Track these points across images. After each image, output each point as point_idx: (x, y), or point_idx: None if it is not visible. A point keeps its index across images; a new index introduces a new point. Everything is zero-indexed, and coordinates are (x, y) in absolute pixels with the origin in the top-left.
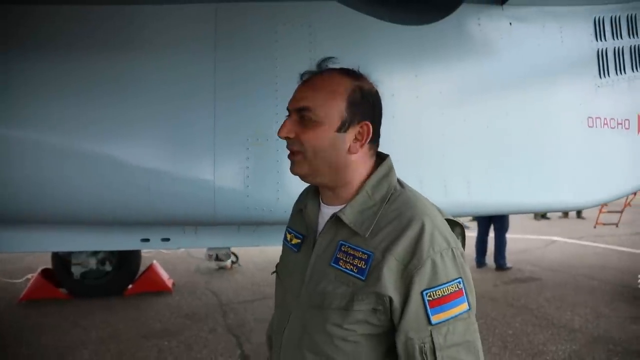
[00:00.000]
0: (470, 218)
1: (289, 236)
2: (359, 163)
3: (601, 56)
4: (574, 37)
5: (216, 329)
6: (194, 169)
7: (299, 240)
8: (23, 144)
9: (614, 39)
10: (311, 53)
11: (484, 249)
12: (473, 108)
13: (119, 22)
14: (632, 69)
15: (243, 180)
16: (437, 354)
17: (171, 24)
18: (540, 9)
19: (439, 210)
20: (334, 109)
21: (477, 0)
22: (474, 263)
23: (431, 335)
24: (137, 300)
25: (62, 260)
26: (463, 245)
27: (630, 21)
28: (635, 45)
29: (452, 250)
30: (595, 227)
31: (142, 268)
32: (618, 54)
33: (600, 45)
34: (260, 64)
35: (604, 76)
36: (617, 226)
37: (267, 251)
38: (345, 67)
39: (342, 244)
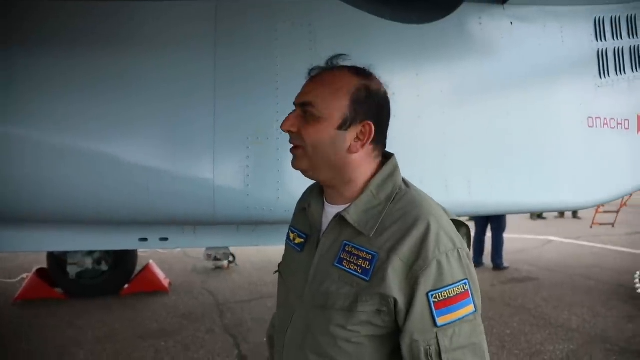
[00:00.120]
0: (467, 218)
1: (292, 235)
2: (361, 163)
3: (601, 56)
4: (574, 37)
5: (213, 329)
6: (194, 168)
7: (303, 240)
8: (19, 142)
9: (614, 39)
10: (311, 51)
11: (481, 248)
12: (474, 107)
13: (117, 19)
14: (632, 69)
15: (243, 179)
16: (443, 356)
17: (171, 22)
18: (541, 9)
19: (445, 210)
20: (336, 106)
21: None
22: None
23: (437, 337)
24: (133, 300)
25: (57, 259)
26: (469, 246)
27: (630, 21)
28: (635, 46)
29: (458, 251)
30: (591, 227)
31: (138, 268)
32: (618, 54)
33: (601, 45)
34: (260, 62)
35: (604, 76)
36: (613, 226)
37: (264, 251)
38: (355, 65)
39: (346, 244)
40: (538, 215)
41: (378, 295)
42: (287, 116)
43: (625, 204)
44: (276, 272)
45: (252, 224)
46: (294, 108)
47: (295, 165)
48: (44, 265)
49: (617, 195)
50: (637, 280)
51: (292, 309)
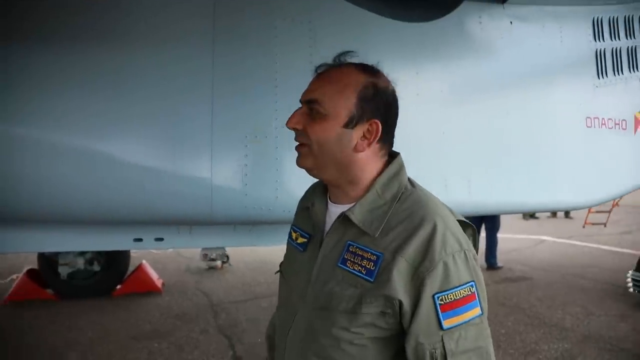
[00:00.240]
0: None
1: (294, 235)
2: (367, 162)
3: (599, 56)
4: (573, 37)
5: (207, 330)
6: (191, 167)
7: (305, 240)
8: (11, 141)
9: (612, 39)
10: (311, 49)
11: None
12: (473, 107)
13: (113, 16)
14: (630, 70)
15: (241, 178)
16: None
17: (168, 19)
18: (540, 8)
19: (451, 210)
20: (343, 103)
21: None
22: None
23: (442, 340)
24: (126, 300)
25: (48, 260)
26: (474, 247)
27: (628, 22)
28: (632, 47)
29: (464, 252)
30: (584, 226)
31: (131, 268)
32: (616, 54)
33: (599, 45)
34: (259, 60)
35: (602, 76)
36: (605, 226)
37: (258, 250)
38: (362, 62)
39: (350, 244)
40: (531, 215)
41: (383, 297)
42: (292, 113)
43: (617, 203)
44: (277, 271)
45: (250, 224)
46: (293, 106)
47: (299, 163)
48: (35, 265)
49: (615, 195)
50: (629, 280)
51: (294, 310)
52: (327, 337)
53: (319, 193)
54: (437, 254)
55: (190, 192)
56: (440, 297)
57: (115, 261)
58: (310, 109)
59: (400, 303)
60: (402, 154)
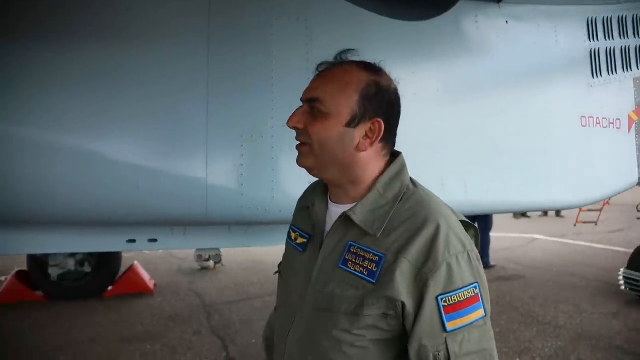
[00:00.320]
0: None
1: (293, 235)
2: (369, 161)
3: (594, 56)
4: (568, 37)
5: (200, 331)
6: (186, 167)
7: (305, 240)
8: (0, 141)
9: (606, 39)
10: (308, 47)
11: None
12: (469, 106)
13: (107, 15)
14: (623, 69)
15: (237, 178)
16: None
17: (163, 17)
18: (535, 8)
19: (453, 211)
20: (345, 102)
21: None
22: None
23: (446, 343)
24: (117, 302)
25: (38, 261)
26: (477, 247)
27: (621, 22)
28: (625, 46)
29: (468, 253)
30: (575, 225)
31: (122, 269)
32: (610, 54)
33: (593, 45)
34: (255, 59)
35: (597, 76)
36: (596, 224)
37: (251, 251)
38: (365, 60)
39: (351, 245)
40: (522, 214)
41: (385, 299)
42: (293, 112)
43: (607, 202)
44: (276, 272)
45: (246, 225)
46: (289, 105)
47: (300, 162)
48: (24, 267)
49: (610, 194)
50: (620, 278)
51: (294, 312)
52: (328, 339)
53: (319, 193)
54: (440, 255)
55: (185, 193)
56: (444, 299)
57: (107, 262)
58: (312, 108)
59: (403, 305)
60: None
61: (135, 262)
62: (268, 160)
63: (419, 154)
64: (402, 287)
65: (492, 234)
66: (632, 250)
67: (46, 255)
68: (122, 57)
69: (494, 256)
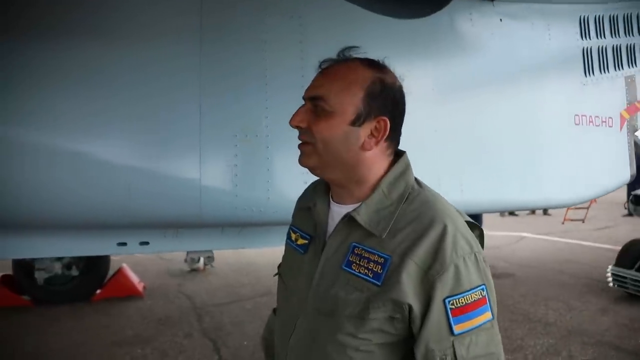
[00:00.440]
0: None
1: (293, 236)
2: (374, 161)
3: (586, 54)
4: (561, 35)
5: (192, 334)
6: (179, 168)
7: (306, 241)
8: None
9: (597, 38)
10: (301, 45)
11: None
12: (465, 105)
13: (97, 14)
14: (615, 68)
15: (231, 179)
16: None
17: (154, 16)
18: (528, 6)
19: (458, 211)
20: (350, 100)
21: None
22: None
23: (453, 346)
24: (106, 306)
25: (23, 265)
26: (482, 248)
27: (612, 21)
28: (617, 45)
29: (475, 254)
30: (563, 223)
31: (110, 272)
32: (601, 52)
33: (585, 43)
34: (248, 57)
35: (589, 74)
36: (583, 222)
37: (241, 252)
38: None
39: (355, 246)
40: (509, 212)
41: (391, 302)
42: (296, 110)
43: (594, 200)
44: (276, 274)
45: (240, 226)
46: (284, 104)
47: (303, 162)
48: (9, 271)
49: (603, 192)
50: (609, 274)
51: (295, 315)
52: (332, 343)
53: (321, 193)
54: (448, 257)
55: (178, 194)
56: (451, 301)
57: (95, 265)
58: (315, 106)
59: (410, 307)
60: None
61: (124, 265)
62: (263, 160)
63: (414, 153)
64: (409, 289)
65: None
66: (618, 248)
67: (32, 259)
68: (112, 57)
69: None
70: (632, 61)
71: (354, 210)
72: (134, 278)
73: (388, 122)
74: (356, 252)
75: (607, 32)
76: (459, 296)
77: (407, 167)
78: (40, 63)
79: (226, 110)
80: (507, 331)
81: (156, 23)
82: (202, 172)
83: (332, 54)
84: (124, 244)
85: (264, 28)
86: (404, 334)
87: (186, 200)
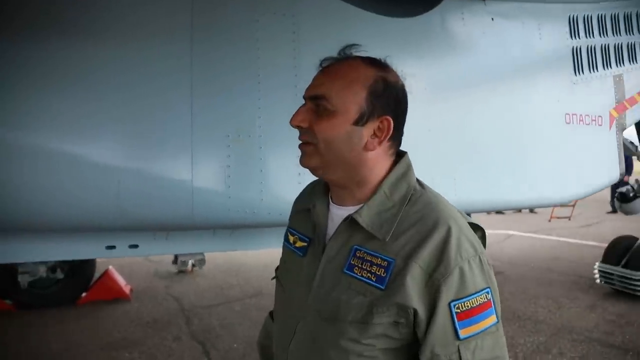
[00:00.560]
0: None
1: (291, 238)
2: (376, 161)
3: (576, 53)
4: (551, 34)
5: (180, 337)
6: (170, 169)
7: (305, 243)
8: None
9: (587, 37)
10: (295, 44)
11: None
12: (457, 104)
13: (86, 13)
14: (603, 67)
15: (224, 180)
16: None
17: (144, 15)
18: (519, 5)
19: (461, 212)
20: (352, 99)
21: None
22: None
23: (459, 351)
24: (92, 309)
25: (6, 268)
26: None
27: (600, 21)
28: (605, 44)
29: (479, 257)
30: (549, 220)
31: (96, 274)
32: (590, 52)
33: (575, 43)
34: (240, 57)
35: (579, 73)
36: (569, 219)
37: (229, 252)
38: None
39: (357, 249)
40: (496, 211)
41: (396, 306)
42: (297, 110)
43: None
44: (274, 277)
45: (233, 228)
46: (277, 104)
47: (304, 162)
48: None
49: (594, 189)
50: (596, 271)
51: (295, 319)
52: (335, 349)
53: (320, 194)
54: (452, 260)
55: (170, 196)
56: (457, 305)
57: (80, 268)
58: (316, 106)
59: (415, 311)
60: None
61: (110, 267)
62: (256, 160)
63: (410, 153)
64: (414, 293)
65: None
66: (604, 245)
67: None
68: (101, 58)
69: None
70: (619, 60)
71: (355, 212)
72: (120, 280)
73: (392, 122)
74: (358, 255)
75: (596, 32)
76: (464, 300)
77: (409, 168)
78: (28, 63)
79: (218, 110)
80: None
81: (146, 23)
82: (194, 173)
83: (326, 52)
84: (113, 247)
85: (257, 27)
86: (408, 339)
87: (178, 201)
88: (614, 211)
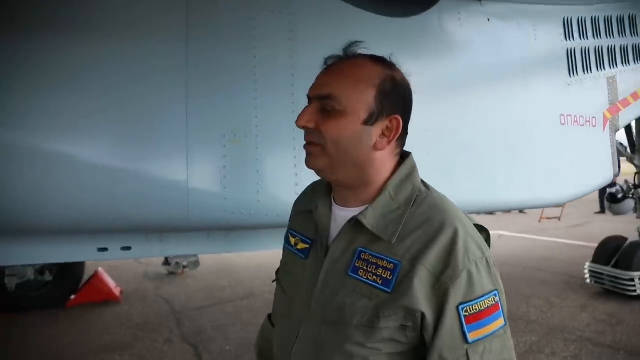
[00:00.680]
0: None
1: (293, 240)
2: (383, 162)
3: (570, 55)
4: (546, 36)
5: (171, 339)
6: (165, 170)
7: (307, 245)
8: None
9: (581, 39)
10: (292, 43)
11: None
12: (453, 104)
13: (79, 11)
14: (597, 69)
15: (220, 181)
16: None
17: (138, 14)
18: (515, 7)
19: (466, 214)
20: (362, 98)
21: None
22: None
23: (467, 354)
24: (82, 311)
25: None
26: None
27: (594, 23)
28: (599, 46)
29: (486, 259)
30: (540, 221)
31: (86, 276)
32: (584, 53)
33: (569, 44)
34: (237, 56)
35: (574, 74)
36: (559, 220)
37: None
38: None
39: (361, 251)
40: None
41: (403, 309)
42: (302, 111)
43: None
44: (274, 280)
45: (229, 229)
46: (274, 103)
47: (311, 164)
48: None
49: (589, 190)
50: (586, 271)
51: (297, 323)
52: (340, 353)
53: (322, 195)
54: (460, 262)
55: (165, 197)
56: (465, 308)
57: (69, 269)
58: (324, 105)
59: (423, 315)
60: None
61: (100, 269)
62: (253, 161)
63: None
64: (421, 296)
65: None
66: (594, 245)
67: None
68: (94, 57)
69: None
70: (613, 62)
71: (360, 213)
72: (110, 282)
73: (401, 121)
74: (363, 257)
75: (590, 34)
76: (472, 303)
77: (414, 168)
78: (20, 62)
79: (214, 110)
80: None
81: (140, 21)
82: (190, 174)
83: (323, 52)
84: (105, 249)
85: (253, 25)
86: (414, 343)
87: (173, 203)
88: (602, 211)
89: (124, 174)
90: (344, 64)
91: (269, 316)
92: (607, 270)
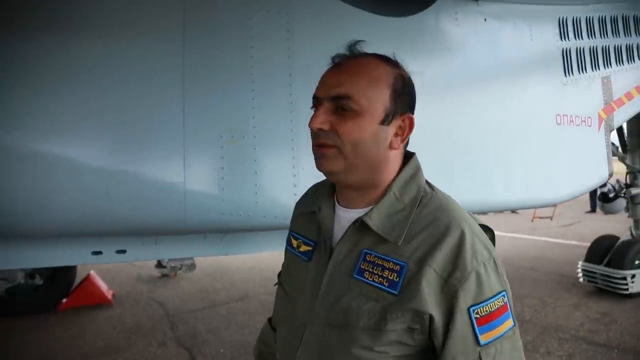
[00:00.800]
0: None
1: (295, 242)
2: (393, 161)
3: (566, 55)
4: (541, 36)
5: (165, 343)
6: (162, 172)
7: (310, 248)
8: None
9: (576, 39)
10: (289, 42)
11: None
12: (453, 104)
13: (75, 10)
14: (592, 69)
15: (217, 182)
16: None
17: (134, 13)
18: (512, 7)
19: (471, 215)
20: (378, 98)
21: None
22: None
23: (480, 357)
24: (74, 315)
25: None
26: None
27: (588, 23)
28: (594, 46)
29: (494, 259)
30: (532, 220)
31: (77, 279)
32: (579, 53)
33: (565, 44)
34: (234, 56)
35: (569, 74)
36: (551, 219)
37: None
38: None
39: (367, 253)
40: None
41: (411, 311)
42: (314, 112)
43: None
44: (276, 284)
45: (227, 232)
46: (271, 103)
47: (326, 167)
48: None
49: (584, 190)
50: (579, 270)
51: (301, 326)
52: (346, 356)
53: (324, 196)
54: (468, 264)
55: (161, 199)
56: (476, 310)
57: (60, 273)
58: (339, 106)
59: (431, 317)
60: None
61: (92, 272)
62: (251, 162)
63: None
64: (429, 298)
65: None
66: (586, 244)
67: None
68: (90, 57)
69: None
70: (607, 62)
71: (365, 214)
72: (102, 285)
73: (413, 119)
74: (368, 259)
75: (585, 34)
76: (482, 304)
77: (418, 169)
78: (15, 63)
79: (212, 111)
80: None
81: (137, 21)
82: (187, 176)
83: (321, 51)
84: (100, 252)
85: (250, 24)
86: (422, 345)
87: (170, 205)
88: (593, 210)
89: (120, 175)
90: (355, 62)
91: (269, 320)
92: (600, 269)
